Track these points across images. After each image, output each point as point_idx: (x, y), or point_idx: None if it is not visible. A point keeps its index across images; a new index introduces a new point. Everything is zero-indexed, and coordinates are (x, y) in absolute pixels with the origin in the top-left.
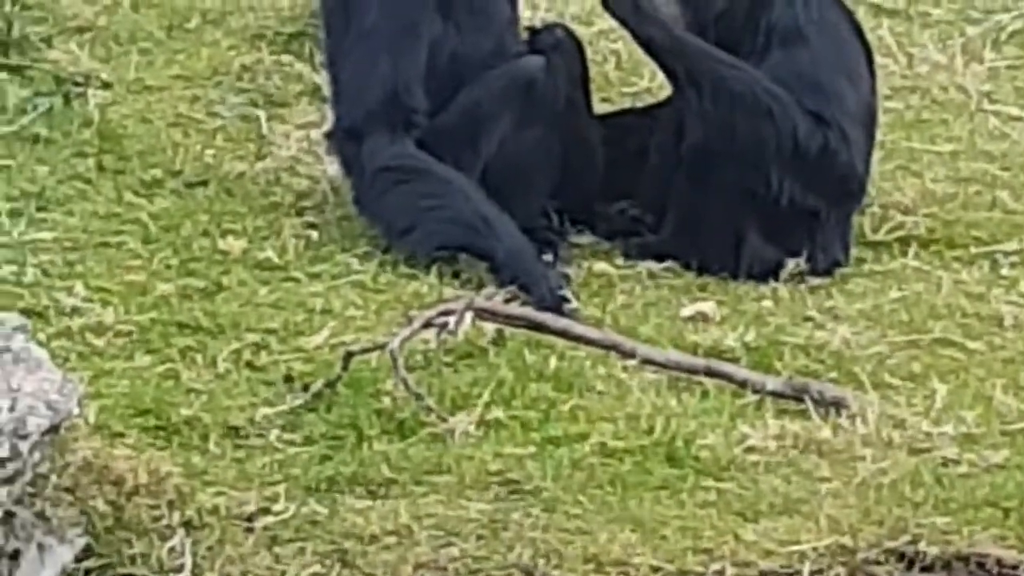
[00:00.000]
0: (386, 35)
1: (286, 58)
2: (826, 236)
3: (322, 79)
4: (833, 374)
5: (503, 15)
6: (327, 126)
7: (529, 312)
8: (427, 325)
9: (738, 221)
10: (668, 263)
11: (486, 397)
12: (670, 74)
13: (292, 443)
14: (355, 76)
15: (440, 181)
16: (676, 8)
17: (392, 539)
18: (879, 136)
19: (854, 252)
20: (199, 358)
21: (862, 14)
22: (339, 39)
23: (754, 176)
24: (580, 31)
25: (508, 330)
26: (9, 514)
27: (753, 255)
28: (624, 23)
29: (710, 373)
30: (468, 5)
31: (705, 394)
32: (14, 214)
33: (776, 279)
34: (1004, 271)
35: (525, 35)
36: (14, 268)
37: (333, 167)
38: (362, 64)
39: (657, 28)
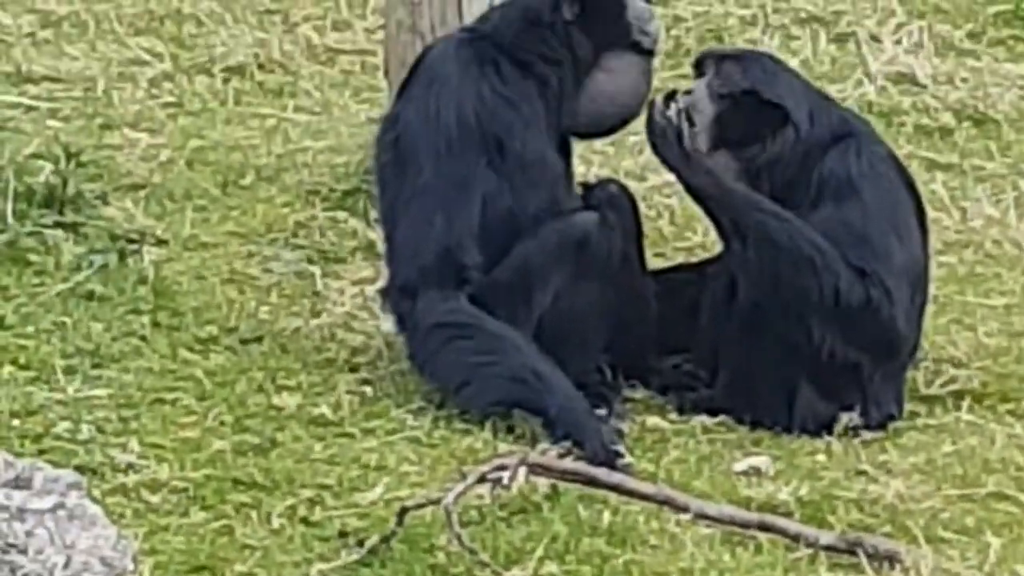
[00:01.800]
0: (440, 192)
1: (340, 214)
2: (878, 390)
3: (376, 235)
4: (886, 528)
5: (556, 170)
6: (382, 283)
7: (582, 467)
8: (481, 480)
9: (789, 375)
10: (721, 417)
11: (540, 552)
12: (718, 224)
13: None
14: (409, 233)
15: (493, 337)
16: (727, 156)
17: None
18: (932, 290)
19: (908, 406)
20: (254, 514)
21: (916, 167)
22: (394, 196)
23: (798, 329)
24: (634, 186)
25: (562, 485)
26: None
27: (806, 409)
28: (673, 169)
29: (764, 527)
30: (520, 161)
31: (759, 548)
32: (69, 371)
33: (830, 433)
34: None
35: (579, 190)
36: (69, 425)
37: (387, 323)
38: (416, 221)
39: (705, 175)
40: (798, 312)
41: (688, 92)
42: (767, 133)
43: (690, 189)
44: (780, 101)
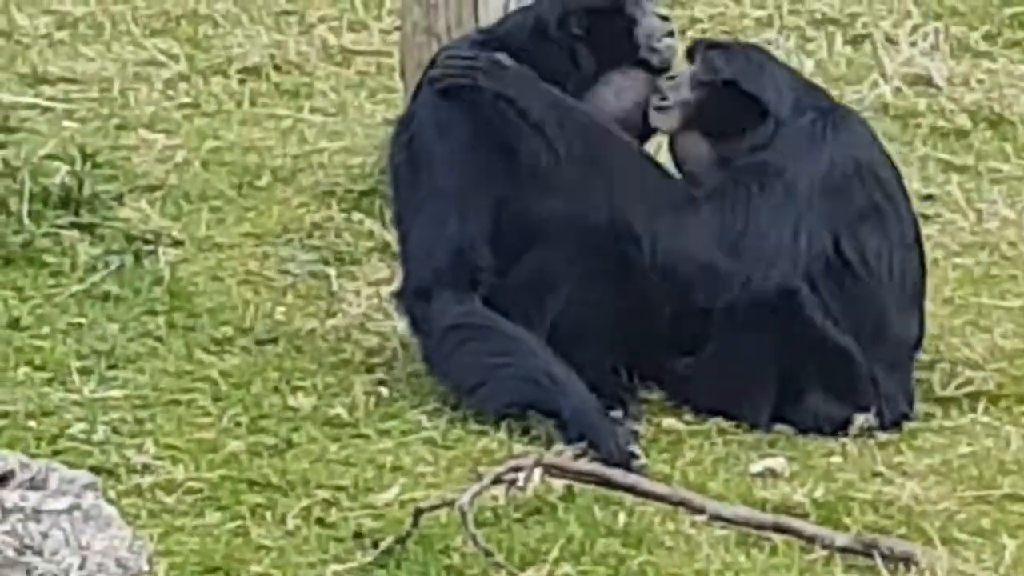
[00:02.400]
0: (453, 194)
1: (356, 215)
2: (888, 389)
3: (392, 236)
4: (902, 530)
5: None
6: (396, 285)
7: (598, 468)
8: (496, 481)
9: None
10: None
11: (555, 553)
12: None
13: None
14: (423, 235)
15: (507, 339)
16: (701, 140)
17: None
18: (947, 292)
19: (923, 408)
20: (269, 515)
21: (931, 169)
22: (407, 198)
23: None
24: None
25: (577, 486)
26: None
27: (818, 411)
28: (503, 96)
29: (779, 529)
30: (532, 163)
31: (774, 550)
32: (85, 372)
33: (845, 435)
34: None
35: None
36: (84, 426)
37: (403, 324)
38: (430, 223)
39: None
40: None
41: (672, 78)
42: (746, 125)
43: (524, 114)
44: (759, 94)
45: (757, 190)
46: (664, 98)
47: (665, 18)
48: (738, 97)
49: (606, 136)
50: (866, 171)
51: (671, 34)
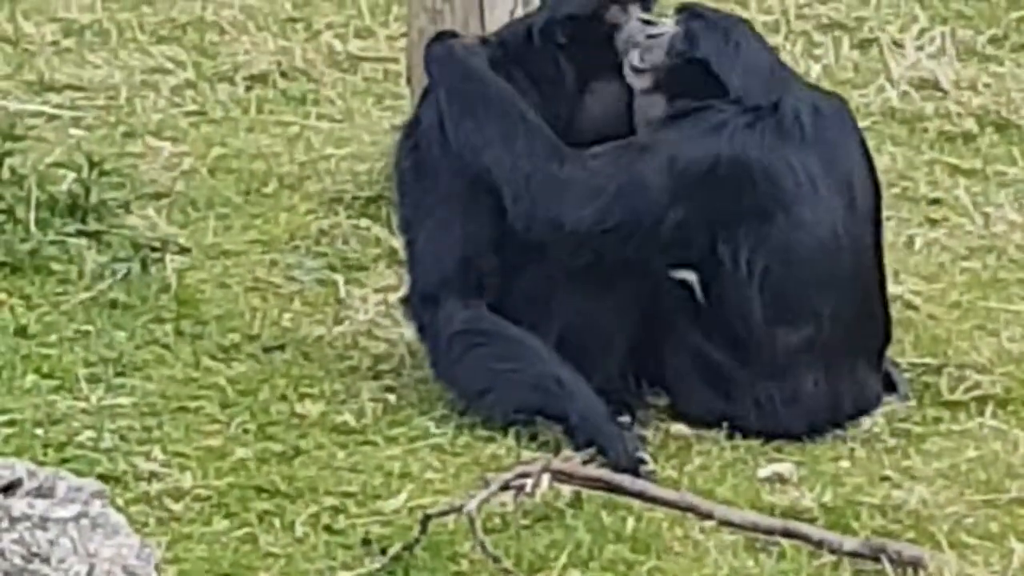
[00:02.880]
0: (459, 200)
1: (363, 222)
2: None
3: (399, 243)
4: (910, 534)
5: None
6: (403, 290)
7: (606, 474)
8: (504, 487)
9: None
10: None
11: (563, 559)
12: None
13: None
14: (430, 241)
15: (515, 344)
16: (662, 100)
17: None
18: (955, 296)
19: (931, 412)
20: (277, 522)
21: (938, 173)
22: (413, 204)
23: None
24: None
25: (585, 492)
26: None
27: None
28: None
29: (787, 534)
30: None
31: (782, 555)
32: (92, 379)
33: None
34: None
35: None
36: (92, 433)
37: (410, 330)
38: (437, 229)
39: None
40: None
41: (652, 36)
42: (707, 98)
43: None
44: (726, 79)
45: (637, 157)
46: (642, 60)
47: (650, 22)
48: (706, 75)
49: (491, 99)
50: (758, 174)
51: (656, 35)
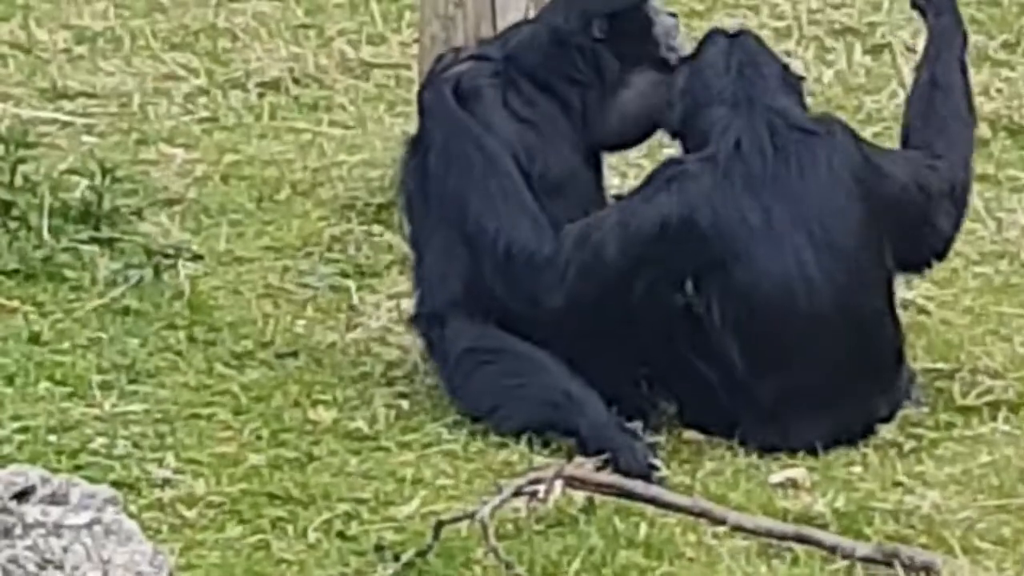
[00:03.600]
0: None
1: (376, 228)
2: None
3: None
4: (923, 539)
5: (588, 188)
6: (411, 308)
7: (618, 479)
8: (517, 493)
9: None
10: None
11: (577, 565)
12: None
13: None
14: (437, 261)
15: (523, 359)
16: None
17: None
18: (967, 301)
19: (944, 417)
20: (290, 529)
21: None
22: (421, 222)
23: None
24: None
25: (598, 498)
26: None
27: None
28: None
29: (800, 539)
30: (547, 181)
31: (795, 560)
32: (105, 386)
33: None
34: None
35: (612, 204)
36: (105, 440)
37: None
38: (444, 249)
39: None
40: None
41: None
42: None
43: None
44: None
45: (595, 230)
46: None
47: (674, 15)
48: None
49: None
50: (707, 228)
51: (679, 31)
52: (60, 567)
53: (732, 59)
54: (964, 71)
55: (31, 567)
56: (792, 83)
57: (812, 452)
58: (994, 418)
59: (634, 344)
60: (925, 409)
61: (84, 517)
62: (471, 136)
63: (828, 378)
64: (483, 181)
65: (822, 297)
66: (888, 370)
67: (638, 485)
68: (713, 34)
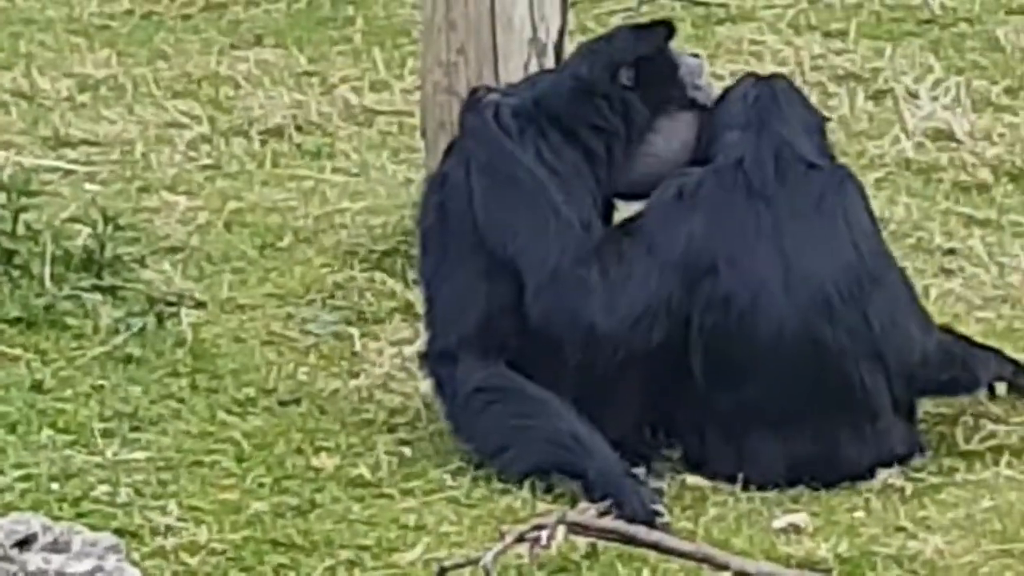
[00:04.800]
0: (482, 259)
1: (378, 275)
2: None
3: (415, 296)
4: None
5: (596, 226)
6: (420, 345)
7: (621, 525)
8: (520, 540)
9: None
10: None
11: None
12: None
13: None
14: (451, 300)
15: (531, 401)
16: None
17: None
18: None
19: (947, 461)
20: None
21: (953, 224)
22: (436, 261)
23: None
24: None
25: (601, 543)
26: None
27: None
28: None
29: None
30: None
31: None
32: (107, 434)
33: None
34: None
35: None
36: (107, 488)
37: (426, 385)
38: (457, 288)
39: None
40: None
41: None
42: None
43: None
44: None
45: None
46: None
47: (697, 55)
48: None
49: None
50: (723, 264)
51: (704, 69)
52: None
53: (757, 92)
54: None
55: None
56: (814, 123)
57: (815, 496)
58: (997, 463)
59: (645, 387)
60: (928, 454)
61: (86, 565)
62: (515, 158)
63: (781, 405)
64: (531, 200)
65: (784, 323)
66: (867, 414)
67: (641, 531)
68: (748, 76)
